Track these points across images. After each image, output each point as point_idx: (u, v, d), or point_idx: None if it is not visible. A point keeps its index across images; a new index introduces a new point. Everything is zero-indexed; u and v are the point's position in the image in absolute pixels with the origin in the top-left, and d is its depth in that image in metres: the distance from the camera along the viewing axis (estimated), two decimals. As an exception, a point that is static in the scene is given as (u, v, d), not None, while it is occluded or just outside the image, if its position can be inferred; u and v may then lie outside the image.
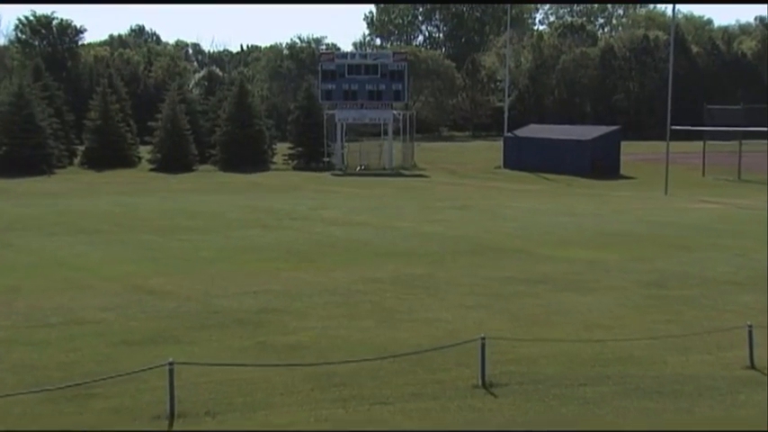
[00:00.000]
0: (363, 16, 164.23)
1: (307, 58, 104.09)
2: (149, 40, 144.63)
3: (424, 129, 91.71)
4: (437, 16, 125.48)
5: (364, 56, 62.31)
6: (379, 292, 16.38)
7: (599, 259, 20.46)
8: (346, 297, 15.95)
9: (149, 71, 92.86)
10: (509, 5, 74.53)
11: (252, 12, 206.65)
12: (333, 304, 15.33)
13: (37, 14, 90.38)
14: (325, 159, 58.93)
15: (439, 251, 21.61)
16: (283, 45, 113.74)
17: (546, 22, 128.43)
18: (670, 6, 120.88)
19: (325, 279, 17.68)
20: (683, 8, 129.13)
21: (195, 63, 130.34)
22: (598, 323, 14.06)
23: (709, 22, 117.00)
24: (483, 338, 10.85)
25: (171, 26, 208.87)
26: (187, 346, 12.59)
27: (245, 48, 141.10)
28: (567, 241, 23.61)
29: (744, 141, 49.33)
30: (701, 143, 52.07)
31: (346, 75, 57.03)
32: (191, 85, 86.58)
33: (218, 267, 19.04)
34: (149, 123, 59.17)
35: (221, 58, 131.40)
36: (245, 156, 57.45)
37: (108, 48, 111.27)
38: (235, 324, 13.87)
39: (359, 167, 57.55)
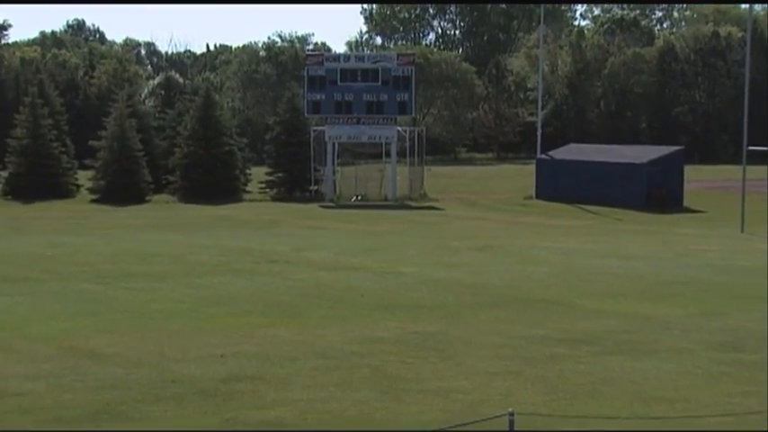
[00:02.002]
0: (360, 9, 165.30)
1: (289, 61, 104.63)
2: (91, 38, 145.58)
3: (437, 149, 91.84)
4: (453, 9, 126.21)
5: (361, 58, 62.74)
6: (380, 355, 16.35)
7: (657, 314, 20.44)
8: (339, 361, 15.92)
9: (91, 77, 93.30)
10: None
11: (220, 4, 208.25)
12: (322, 370, 15.30)
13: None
14: (313, 188, 59.04)
15: (455, 303, 21.60)
16: (260, 45, 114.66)
17: (589, 15, 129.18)
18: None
19: (312, 338, 17.65)
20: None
21: (149, 67, 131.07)
22: (657, 395, 14.02)
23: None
24: (512, 414, 10.81)
25: (118, 21, 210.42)
26: (137, 423, 12.54)
27: (211, 48, 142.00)
28: (616, 291, 23.59)
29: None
30: (786, 167, 52.18)
31: (339, 82, 57.35)
32: (143, 95, 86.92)
33: (176, 324, 19.02)
34: (91, 143, 59.38)
35: (182, 61, 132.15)
36: (211, 183, 57.58)
37: (39, 48, 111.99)
38: (197, 396, 13.83)
39: (355, 198, 57.66)
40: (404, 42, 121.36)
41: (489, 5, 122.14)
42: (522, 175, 66.08)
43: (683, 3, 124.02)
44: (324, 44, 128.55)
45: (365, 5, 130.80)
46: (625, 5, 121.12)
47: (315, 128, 59.08)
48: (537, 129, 63.17)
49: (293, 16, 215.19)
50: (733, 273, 27.28)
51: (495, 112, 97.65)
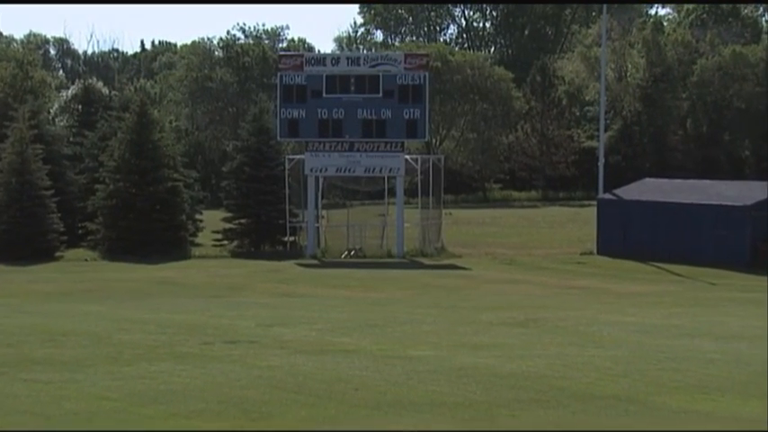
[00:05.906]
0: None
1: (255, 64, 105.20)
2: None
3: (460, 186, 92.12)
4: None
5: (355, 60, 63.01)
6: (382, 474, 16.32)
7: (769, 415, 20.38)
8: (324, 482, 15.89)
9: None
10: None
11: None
12: (300, 494, 15.26)
13: None
14: (288, 239, 59.07)
15: (485, 400, 21.53)
16: (215, 42, 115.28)
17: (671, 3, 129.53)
18: None
19: (287, 450, 17.62)
20: None
21: (61, 72, 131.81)
22: None
23: None
24: None
25: (17, 10, 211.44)
26: None
27: (147, 46, 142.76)
28: (711, 384, 23.51)
29: None
30: None
31: (324, 93, 57.58)
32: (53, 111, 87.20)
33: (98, 429, 18.95)
34: (-20, 177, 59.55)
35: (107, 65, 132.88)
36: (147, 233, 57.62)
37: None
38: None
39: (346, 253, 57.69)
40: (414, 39, 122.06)
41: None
42: (577, 221, 66.07)
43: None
44: (303, 41, 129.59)
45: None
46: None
47: (291, 156, 59.24)
48: (598, 158, 63.31)
49: (260, 3, 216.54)
50: None
51: (541, 134, 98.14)
